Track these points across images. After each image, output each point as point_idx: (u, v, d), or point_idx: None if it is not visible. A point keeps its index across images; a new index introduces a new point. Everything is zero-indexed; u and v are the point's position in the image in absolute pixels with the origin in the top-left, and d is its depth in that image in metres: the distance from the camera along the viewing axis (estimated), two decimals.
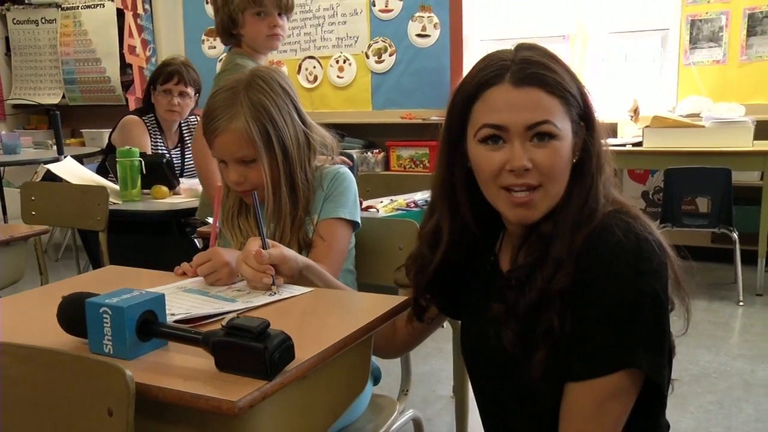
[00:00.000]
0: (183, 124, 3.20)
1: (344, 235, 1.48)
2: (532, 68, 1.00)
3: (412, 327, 1.28)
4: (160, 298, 0.99)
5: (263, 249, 1.22)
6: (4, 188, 4.19)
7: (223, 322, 0.90)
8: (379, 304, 1.16)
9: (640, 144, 3.77)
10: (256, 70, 1.47)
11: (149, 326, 0.96)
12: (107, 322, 0.94)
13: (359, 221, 1.51)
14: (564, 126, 1.00)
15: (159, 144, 3.07)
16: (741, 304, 3.43)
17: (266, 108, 1.41)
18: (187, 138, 3.22)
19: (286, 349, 0.88)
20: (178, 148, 3.18)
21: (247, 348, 0.87)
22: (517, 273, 1.04)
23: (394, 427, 1.49)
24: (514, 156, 0.99)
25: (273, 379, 0.86)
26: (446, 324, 2.45)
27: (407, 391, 1.62)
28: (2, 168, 4.71)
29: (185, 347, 0.97)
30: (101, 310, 0.95)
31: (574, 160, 1.03)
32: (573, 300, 0.97)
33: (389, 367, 1.67)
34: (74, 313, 0.98)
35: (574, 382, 0.97)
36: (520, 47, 1.04)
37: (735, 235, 3.47)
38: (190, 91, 3.05)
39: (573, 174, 1.03)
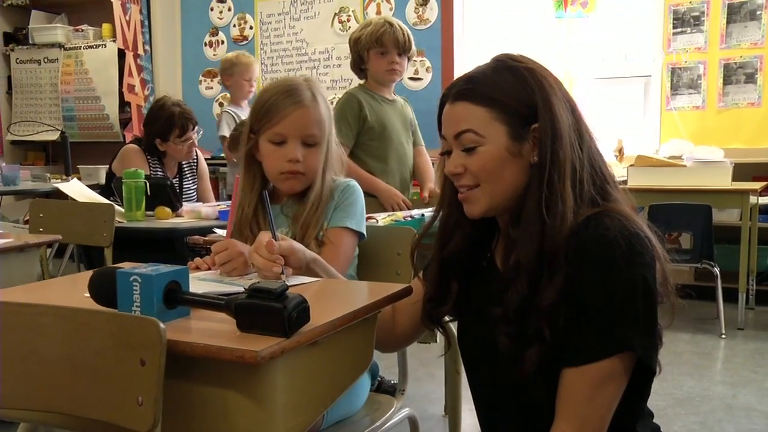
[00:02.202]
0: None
1: (350, 243, 1.57)
2: (466, 85, 1.14)
3: (411, 321, 1.36)
4: (184, 271, 1.07)
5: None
6: None
7: (245, 286, 0.99)
8: (382, 289, 1.25)
9: (624, 182, 3.91)
10: (309, 79, 1.63)
11: (174, 294, 1.04)
12: (137, 290, 1.03)
13: (365, 233, 1.60)
14: (491, 131, 1.11)
15: (159, 174, 3.16)
16: (723, 336, 3.52)
17: (327, 104, 1.59)
18: (185, 169, 3.32)
19: (303, 310, 0.97)
20: (177, 178, 3.28)
21: (268, 308, 0.95)
22: (506, 277, 1.12)
23: (392, 422, 1.55)
24: (449, 162, 1.16)
25: (291, 336, 0.95)
26: (437, 347, 2.52)
27: (404, 390, 1.69)
28: None
29: (207, 316, 1.06)
30: (131, 279, 1.03)
31: (533, 161, 1.10)
32: (567, 302, 1.04)
33: (387, 368, 1.74)
34: (105, 284, 1.06)
35: (571, 368, 1.04)
36: (491, 61, 1.17)
37: (716, 270, 3.59)
38: (198, 127, 3.21)
39: (532, 174, 1.11)
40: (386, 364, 1.70)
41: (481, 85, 1.13)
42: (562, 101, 1.13)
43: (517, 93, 1.11)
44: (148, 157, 3.16)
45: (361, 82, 2.89)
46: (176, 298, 1.04)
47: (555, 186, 1.07)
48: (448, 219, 1.23)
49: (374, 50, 2.72)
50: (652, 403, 1.15)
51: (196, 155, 3.35)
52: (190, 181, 3.35)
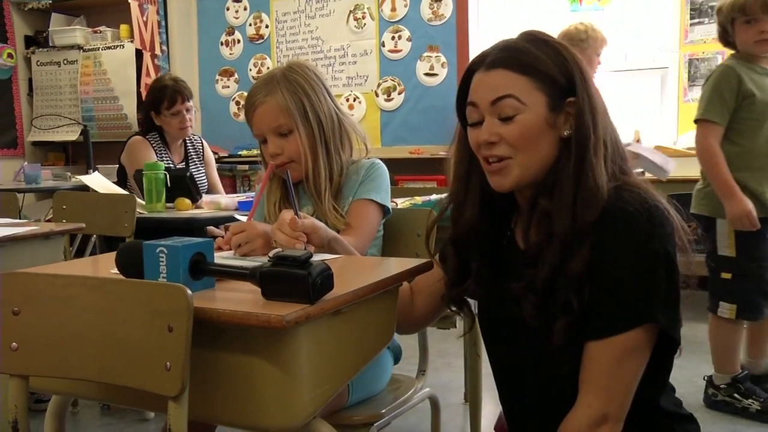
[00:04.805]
0: (187, 142, 3.35)
1: (374, 216, 1.59)
2: (504, 53, 1.11)
3: (429, 302, 1.37)
4: (209, 243, 1.09)
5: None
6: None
7: (270, 254, 1.01)
8: (403, 263, 1.26)
9: (642, 173, 3.89)
10: (293, 61, 1.63)
11: (200, 265, 1.06)
12: (163, 261, 1.05)
13: (389, 207, 1.62)
14: (532, 100, 1.08)
15: (165, 160, 3.20)
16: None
17: (301, 85, 1.56)
18: (192, 154, 3.36)
19: (327, 277, 0.98)
20: (184, 164, 3.31)
21: (293, 275, 0.97)
22: (531, 252, 1.12)
23: (413, 400, 1.57)
24: (482, 131, 1.11)
25: (315, 303, 0.96)
26: (456, 337, 2.53)
27: (425, 371, 1.71)
28: (22, 200, 4.85)
29: (232, 287, 1.08)
30: (158, 250, 1.05)
31: (564, 134, 1.10)
32: (591, 273, 1.04)
33: (408, 352, 1.75)
34: (132, 257, 1.08)
35: (595, 341, 1.05)
36: (521, 35, 1.15)
37: None
38: (191, 104, 3.23)
39: (563, 148, 1.11)
40: (406, 353, 1.71)
41: (520, 54, 1.11)
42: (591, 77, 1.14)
43: (557, 65, 1.11)
44: (153, 144, 3.19)
45: (735, 54, 2.51)
46: (202, 269, 1.06)
47: (590, 159, 1.08)
48: (459, 193, 1.22)
49: (739, 20, 2.38)
50: None
51: (202, 144, 3.41)
52: (198, 166, 3.36)
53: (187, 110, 3.18)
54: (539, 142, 1.10)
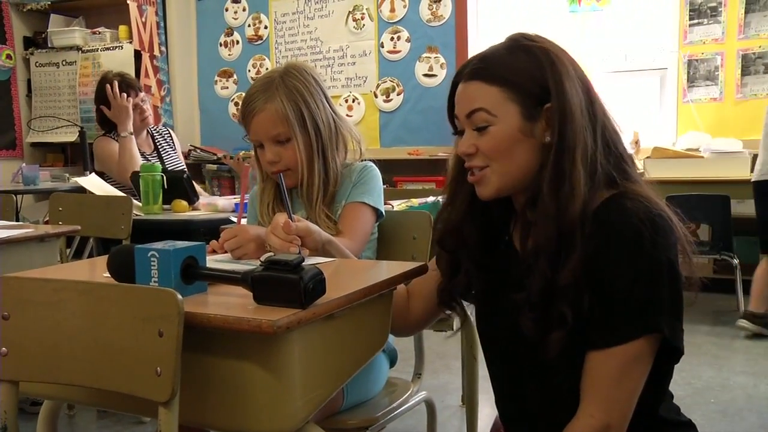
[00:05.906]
0: (155, 132, 3.35)
1: (367, 219, 1.58)
2: (479, 64, 1.11)
3: (425, 305, 1.36)
4: (201, 247, 1.08)
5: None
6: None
7: (262, 258, 1.00)
8: (398, 267, 1.25)
9: (641, 175, 3.88)
10: (291, 63, 1.62)
11: (192, 269, 1.05)
12: (155, 265, 1.04)
13: (383, 211, 1.61)
14: (503, 110, 1.08)
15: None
16: None
17: (300, 91, 1.55)
18: (162, 143, 3.35)
19: (319, 281, 0.98)
20: (155, 154, 3.29)
21: (284, 279, 0.96)
22: (527, 262, 1.09)
23: (409, 404, 1.56)
24: (461, 142, 1.13)
25: (307, 307, 0.96)
26: (454, 339, 2.51)
27: (420, 374, 1.70)
28: (20, 201, 4.84)
29: (224, 291, 1.07)
30: (149, 254, 1.04)
31: (546, 141, 1.08)
32: (592, 283, 1.02)
33: (405, 354, 1.74)
34: (123, 260, 1.07)
35: (597, 350, 1.03)
36: (506, 40, 1.15)
37: (736, 261, 3.56)
38: (143, 95, 3.23)
39: (545, 155, 1.08)
40: (403, 356, 1.70)
41: (494, 65, 1.11)
42: (575, 80, 1.11)
43: (531, 73, 1.09)
44: (117, 139, 3.16)
45: None
46: (193, 273, 1.05)
47: (565, 166, 1.06)
48: (451, 194, 1.22)
49: None
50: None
51: (171, 134, 3.40)
52: (171, 154, 3.34)
53: (143, 101, 3.19)
54: (514, 151, 1.10)
